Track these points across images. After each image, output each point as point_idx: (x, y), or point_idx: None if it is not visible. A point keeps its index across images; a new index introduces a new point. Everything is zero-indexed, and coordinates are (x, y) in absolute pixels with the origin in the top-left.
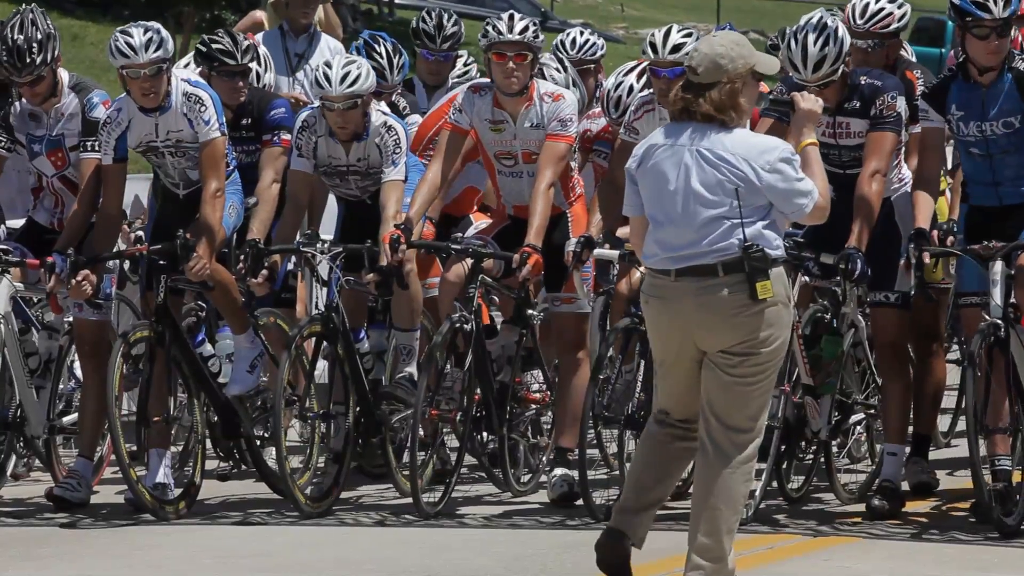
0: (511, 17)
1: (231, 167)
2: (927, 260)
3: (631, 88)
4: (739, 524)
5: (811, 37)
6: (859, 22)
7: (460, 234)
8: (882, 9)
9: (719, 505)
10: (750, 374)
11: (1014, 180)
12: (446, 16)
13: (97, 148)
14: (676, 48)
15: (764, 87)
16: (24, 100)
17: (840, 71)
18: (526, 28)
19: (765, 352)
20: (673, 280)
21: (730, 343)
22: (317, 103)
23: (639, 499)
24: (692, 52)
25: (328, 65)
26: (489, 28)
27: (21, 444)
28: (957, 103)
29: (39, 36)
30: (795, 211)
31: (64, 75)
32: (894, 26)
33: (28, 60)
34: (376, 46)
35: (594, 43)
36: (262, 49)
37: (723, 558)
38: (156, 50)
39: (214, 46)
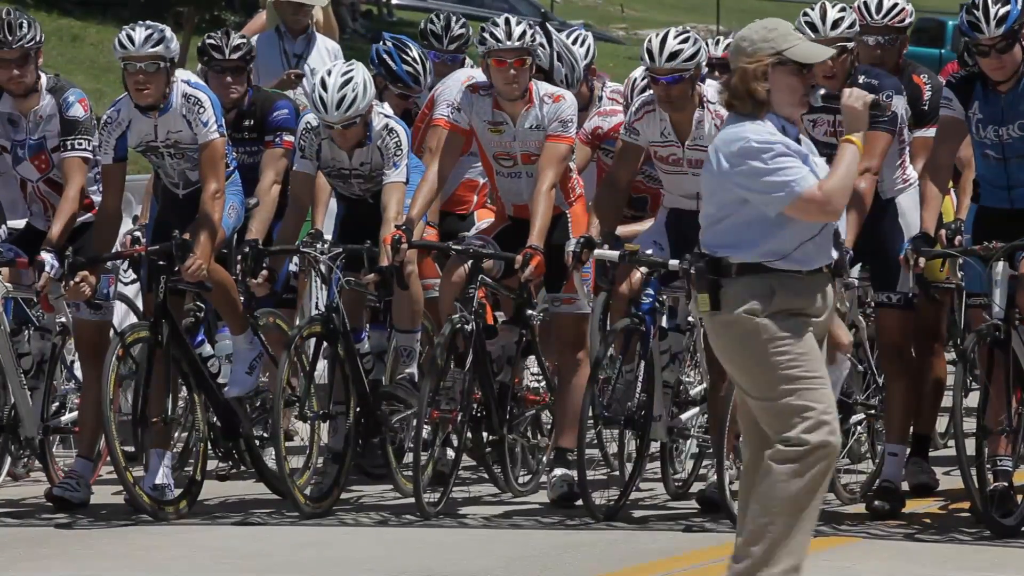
0: (507, 22)
1: (231, 168)
2: (921, 266)
3: None
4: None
5: (829, 3)
6: (876, 17)
7: (466, 234)
8: (896, 4)
9: (749, 503)
10: (744, 391)
11: None
12: (454, 19)
13: (78, 146)
14: (673, 55)
15: None
16: (2, 101)
17: (852, 43)
18: (524, 33)
19: (739, 369)
20: None
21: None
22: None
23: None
24: None
25: (324, 86)
26: (487, 35)
27: (17, 445)
28: (979, 104)
29: (27, 18)
30: (769, 204)
31: (42, 77)
32: (907, 20)
33: (15, 33)
34: (409, 50)
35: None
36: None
37: (759, 565)
38: (154, 46)
39: (207, 42)
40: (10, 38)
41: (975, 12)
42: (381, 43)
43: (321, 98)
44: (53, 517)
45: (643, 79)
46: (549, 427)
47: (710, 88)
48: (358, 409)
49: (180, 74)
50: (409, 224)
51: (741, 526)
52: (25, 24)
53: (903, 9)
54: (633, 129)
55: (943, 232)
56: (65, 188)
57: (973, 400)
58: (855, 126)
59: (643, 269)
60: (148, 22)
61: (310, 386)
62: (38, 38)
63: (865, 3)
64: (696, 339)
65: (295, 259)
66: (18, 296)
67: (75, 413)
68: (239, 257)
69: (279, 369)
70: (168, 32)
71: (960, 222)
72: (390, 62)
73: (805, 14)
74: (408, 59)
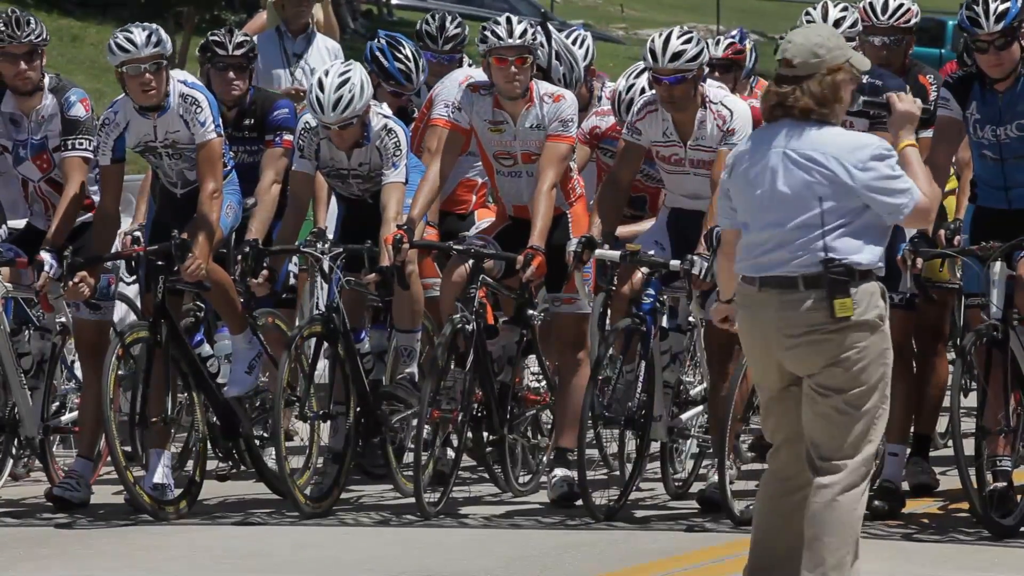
0: (509, 21)
1: (228, 167)
2: (919, 266)
3: (643, 90)
4: (854, 557)
5: (831, 3)
6: (883, 18)
7: (467, 234)
8: (902, 4)
9: (822, 536)
10: (842, 403)
11: None
12: (449, 18)
13: (79, 146)
14: (676, 56)
15: None
16: (5, 101)
17: (854, 43)
18: (525, 31)
19: (853, 377)
20: (758, 290)
21: (814, 366)
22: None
23: (772, 566)
24: (785, 44)
25: (320, 87)
26: (488, 33)
27: (17, 445)
28: (977, 104)
29: (32, 16)
30: (893, 212)
31: (45, 77)
32: (913, 21)
33: (23, 28)
34: (402, 48)
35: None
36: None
37: None
38: (156, 45)
39: (211, 38)
40: (18, 33)
41: (975, 8)
42: (375, 40)
43: (318, 98)
44: (53, 517)
45: (627, 91)
46: (549, 427)
47: (712, 88)
48: (358, 409)
49: (176, 74)
50: (410, 224)
51: (795, 552)
52: (32, 20)
53: (909, 10)
54: (635, 129)
55: (942, 232)
56: (65, 187)
57: (972, 400)
58: (909, 129)
59: (644, 269)
60: (140, 23)
61: (310, 386)
62: (44, 36)
63: (871, 4)
64: (696, 339)
65: (294, 259)
66: (18, 296)
67: (75, 413)
68: (239, 257)
69: (279, 369)
70: (162, 31)
71: (959, 222)
72: (383, 59)
73: (807, 13)
74: (401, 56)
